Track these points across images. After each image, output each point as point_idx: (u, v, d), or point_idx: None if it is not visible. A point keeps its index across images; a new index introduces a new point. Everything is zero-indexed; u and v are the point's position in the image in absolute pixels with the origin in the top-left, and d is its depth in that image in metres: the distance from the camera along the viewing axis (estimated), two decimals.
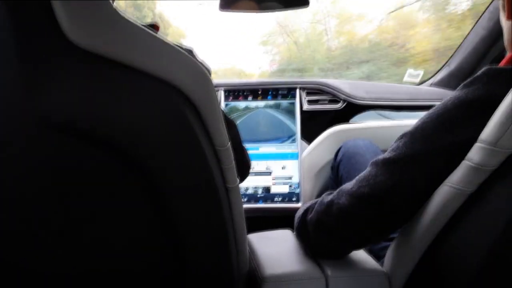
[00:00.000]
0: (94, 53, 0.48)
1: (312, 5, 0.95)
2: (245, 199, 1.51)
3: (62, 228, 0.55)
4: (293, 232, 0.92)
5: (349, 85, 1.66)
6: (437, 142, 0.65)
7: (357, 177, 0.74)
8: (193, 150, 0.55)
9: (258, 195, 1.52)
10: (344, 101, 1.62)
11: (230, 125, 0.85)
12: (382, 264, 0.80)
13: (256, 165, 1.54)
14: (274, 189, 1.52)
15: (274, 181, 1.53)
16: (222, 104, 1.59)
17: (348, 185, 0.74)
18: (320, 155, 1.48)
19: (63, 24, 0.47)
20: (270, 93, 1.60)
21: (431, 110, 0.68)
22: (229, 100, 1.60)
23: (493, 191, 0.59)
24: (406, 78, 1.89)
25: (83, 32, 0.47)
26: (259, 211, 1.51)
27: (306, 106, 1.60)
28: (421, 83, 1.86)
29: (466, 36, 1.64)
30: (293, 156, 1.54)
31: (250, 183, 1.53)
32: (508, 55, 0.70)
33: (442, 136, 0.65)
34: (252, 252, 0.85)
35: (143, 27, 0.51)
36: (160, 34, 0.53)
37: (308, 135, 1.57)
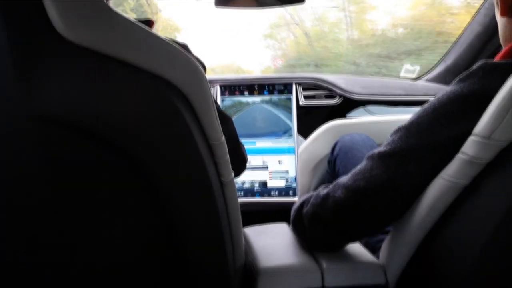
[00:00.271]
0: (87, 48, 0.48)
1: None
2: (242, 193, 1.52)
3: (58, 225, 0.55)
4: (289, 225, 0.92)
5: (345, 80, 1.66)
6: (432, 137, 0.66)
7: (352, 171, 0.74)
8: (186, 144, 0.55)
9: (255, 189, 1.53)
10: (340, 96, 1.62)
11: (226, 119, 0.85)
12: (377, 257, 0.80)
13: (252, 160, 1.54)
14: (270, 184, 1.53)
15: (270, 175, 1.54)
16: (218, 100, 1.59)
17: (344, 179, 0.74)
18: (316, 149, 1.48)
19: (55, 21, 0.46)
20: (266, 88, 1.60)
21: (426, 105, 0.69)
22: (225, 95, 1.60)
23: (486, 184, 0.60)
24: (402, 73, 1.90)
25: (75, 29, 0.47)
26: (256, 205, 1.51)
27: (302, 102, 1.60)
28: (417, 78, 1.86)
29: (462, 31, 1.64)
30: (290, 150, 1.55)
31: (247, 178, 1.53)
32: (503, 50, 0.71)
33: (438, 130, 0.65)
34: (248, 245, 0.86)
35: (137, 22, 0.51)
36: (154, 30, 0.53)
37: (304, 130, 1.58)
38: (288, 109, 1.58)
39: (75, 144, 0.51)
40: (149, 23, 0.78)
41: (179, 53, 0.55)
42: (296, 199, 1.49)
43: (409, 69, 1.88)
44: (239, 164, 0.92)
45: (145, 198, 0.57)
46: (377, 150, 0.72)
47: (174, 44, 0.54)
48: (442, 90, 0.68)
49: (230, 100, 1.60)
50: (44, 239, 0.55)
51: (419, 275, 0.72)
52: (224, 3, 0.96)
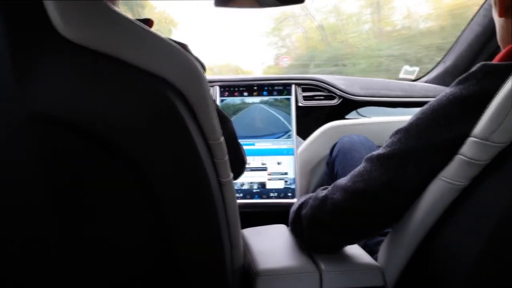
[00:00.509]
0: (86, 47, 0.48)
1: None
2: (241, 195, 1.52)
3: (56, 225, 0.55)
4: (288, 227, 0.92)
5: (345, 81, 1.66)
6: (431, 138, 0.66)
7: (351, 173, 0.74)
8: (185, 144, 0.55)
9: (254, 191, 1.52)
10: (340, 97, 1.62)
11: (225, 120, 0.85)
12: (376, 259, 0.80)
13: (251, 161, 1.54)
14: (269, 185, 1.53)
15: (269, 176, 1.53)
16: (218, 100, 1.59)
17: (342, 180, 0.74)
18: (315, 151, 1.48)
19: (54, 19, 0.46)
20: (265, 89, 1.60)
21: (425, 106, 0.69)
22: (225, 96, 1.60)
23: (485, 185, 0.60)
24: (402, 75, 1.89)
25: (75, 27, 0.47)
26: (255, 206, 1.51)
27: (301, 102, 1.60)
28: (416, 79, 1.86)
29: (461, 33, 1.64)
30: (289, 152, 1.54)
31: (245, 179, 1.53)
32: (502, 51, 0.71)
33: (437, 132, 0.65)
34: (246, 246, 0.85)
35: (136, 21, 0.51)
36: (153, 30, 0.53)
37: (304, 131, 1.57)
38: (287, 110, 1.58)
39: (73, 144, 0.51)
40: (149, 22, 0.78)
41: (179, 52, 0.55)
42: (295, 200, 1.49)
43: (408, 70, 1.87)
44: (239, 166, 0.92)
45: (143, 198, 0.57)
46: (376, 152, 0.72)
47: (173, 44, 0.54)
48: (441, 91, 0.68)
49: (229, 100, 1.60)
50: (43, 238, 0.55)
51: (418, 277, 0.72)
52: (223, 3, 0.95)
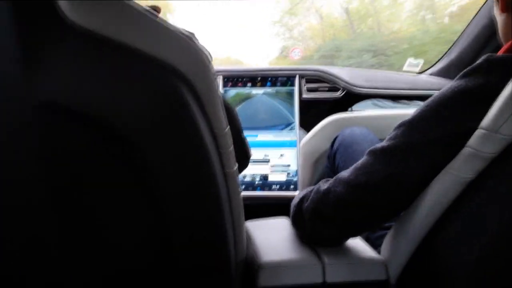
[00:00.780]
0: (94, 35, 0.48)
1: None
2: (243, 187, 1.52)
3: (56, 223, 0.54)
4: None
5: (349, 73, 1.65)
6: (435, 131, 0.65)
7: (354, 166, 0.73)
8: (191, 133, 0.55)
9: (256, 183, 1.52)
10: (344, 89, 1.61)
11: (230, 110, 0.85)
12: (379, 252, 0.80)
13: (254, 153, 1.53)
14: (272, 177, 1.52)
15: (272, 169, 1.53)
16: (221, 91, 1.58)
17: (345, 173, 0.74)
18: (318, 143, 1.47)
19: (62, 5, 0.46)
20: (269, 80, 1.59)
21: (430, 99, 0.68)
22: (228, 86, 1.59)
23: (492, 179, 0.59)
24: (406, 67, 1.88)
25: (82, 13, 0.47)
26: (257, 199, 1.51)
27: (305, 95, 1.59)
28: (421, 72, 1.85)
29: (467, 25, 1.62)
30: (291, 144, 1.54)
31: (248, 171, 1.53)
32: (504, 46, 0.70)
33: (441, 125, 0.65)
34: (249, 239, 0.85)
35: (143, 9, 0.51)
36: (161, 18, 0.53)
37: (307, 124, 1.57)
38: (291, 101, 1.57)
39: (78, 137, 0.51)
40: (156, 9, 0.78)
41: (186, 42, 0.54)
42: (297, 193, 1.49)
43: (412, 63, 1.86)
44: (243, 158, 0.92)
45: (143, 198, 0.57)
46: (379, 145, 0.71)
47: (182, 33, 0.54)
48: (446, 84, 0.68)
49: (232, 91, 1.59)
50: (43, 238, 0.55)
51: (421, 270, 0.71)
52: None
